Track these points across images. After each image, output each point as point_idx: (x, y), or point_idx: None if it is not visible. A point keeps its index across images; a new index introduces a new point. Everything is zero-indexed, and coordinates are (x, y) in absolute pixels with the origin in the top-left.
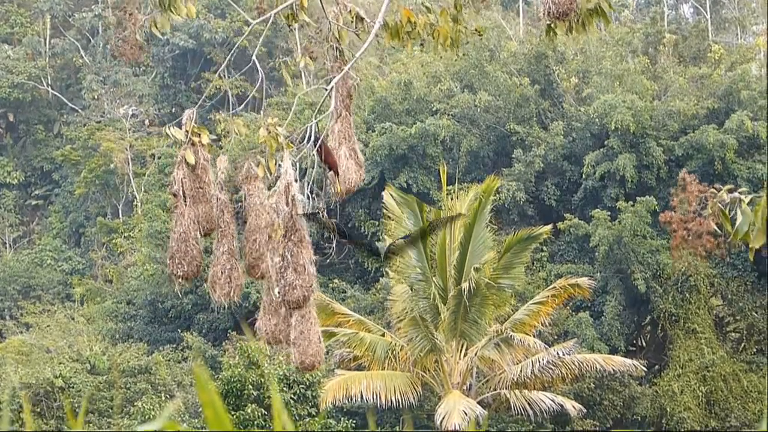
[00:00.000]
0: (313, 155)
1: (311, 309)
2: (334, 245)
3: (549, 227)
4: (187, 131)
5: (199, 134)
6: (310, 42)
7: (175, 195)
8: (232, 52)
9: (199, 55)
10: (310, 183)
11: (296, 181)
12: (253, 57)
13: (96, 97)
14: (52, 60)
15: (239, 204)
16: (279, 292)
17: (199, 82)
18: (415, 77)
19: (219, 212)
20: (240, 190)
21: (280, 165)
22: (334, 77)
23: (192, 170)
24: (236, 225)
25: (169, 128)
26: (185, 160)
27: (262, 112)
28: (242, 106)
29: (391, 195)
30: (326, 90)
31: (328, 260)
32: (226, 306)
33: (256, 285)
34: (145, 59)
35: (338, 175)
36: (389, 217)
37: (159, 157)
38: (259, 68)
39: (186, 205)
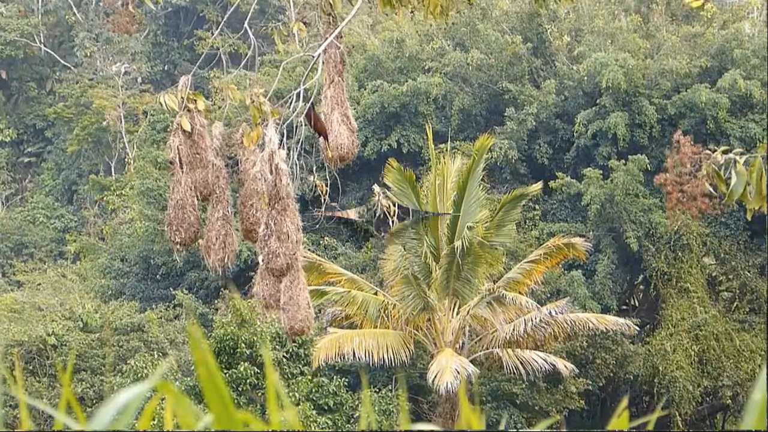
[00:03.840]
0: (301, 121)
1: (299, 274)
2: (323, 210)
3: (539, 185)
4: (182, 98)
5: (195, 100)
6: (303, 7)
7: (172, 162)
8: (227, 14)
9: (192, 12)
10: (299, 147)
11: (283, 148)
12: (245, 25)
13: (88, 54)
14: (45, 17)
15: (236, 168)
16: (262, 260)
17: (192, 39)
18: (407, 35)
19: (214, 178)
20: (237, 155)
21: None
22: (325, 41)
23: (188, 137)
24: (232, 190)
25: (163, 96)
26: (181, 126)
27: (256, 69)
28: (240, 66)
29: (385, 190)
30: (314, 57)
31: (318, 225)
32: (220, 271)
33: (248, 244)
34: (138, 22)
35: (328, 140)
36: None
37: (152, 114)
38: (251, 35)
39: (183, 171)
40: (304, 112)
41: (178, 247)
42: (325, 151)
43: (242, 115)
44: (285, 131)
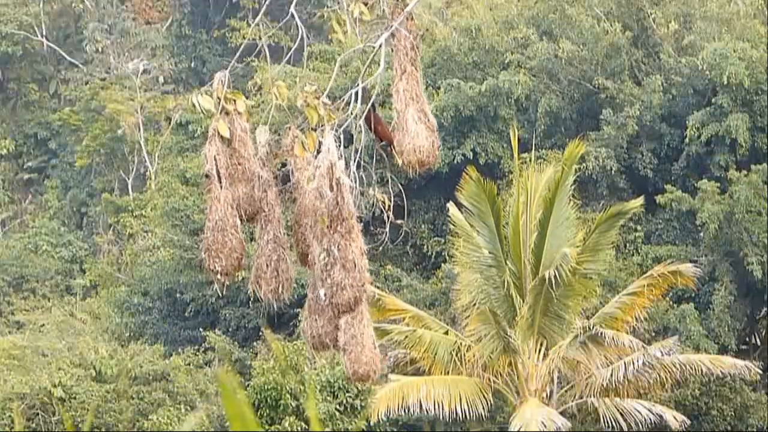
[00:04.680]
0: (361, 126)
1: (364, 309)
2: (387, 229)
3: (641, 200)
4: (218, 97)
5: (234, 100)
6: None
7: (208, 176)
8: None
9: None
10: (359, 155)
11: (341, 158)
12: (291, 8)
13: (100, 49)
14: (47, 5)
15: (284, 177)
16: (324, 294)
17: (224, 30)
18: (484, 23)
19: (261, 193)
20: (285, 164)
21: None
22: (392, 26)
23: (228, 144)
24: (283, 206)
25: (195, 96)
26: (218, 132)
27: (304, 63)
28: (285, 59)
29: (459, 206)
30: (375, 47)
31: (381, 247)
32: (275, 305)
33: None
34: (159, 10)
35: (393, 146)
36: (457, 233)
37: (179, 112)
38: (297, 19)
39: (222, 186)
40: (363, 115)
41: (218, 277)
42: (398, 156)
43: (289, 117)
44: (342, 138)
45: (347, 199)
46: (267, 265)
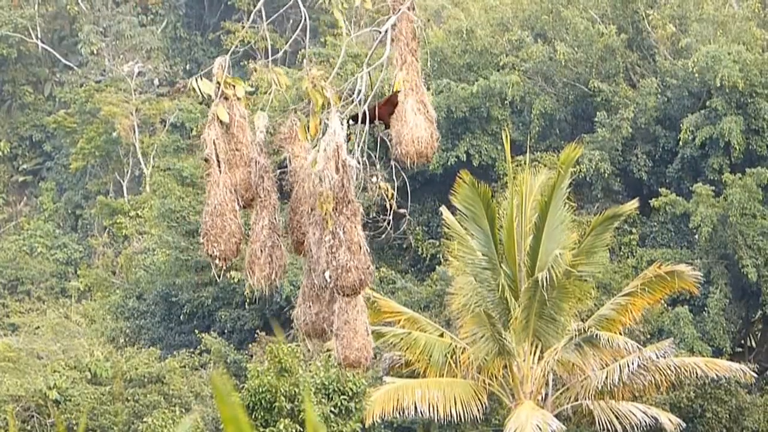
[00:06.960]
0: (365, 112)
1: (359, 295)
2: (390, 216)
3: (636, 203)
4: (218, 83)
5: (234, 86)
6: None
7: (207, 160)
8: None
9: (218, 0)
10: (361, 145)
11: (346, 142)
12: None
13: (95, 51)
14: (42, 8)
15: (281, 170)
16: (330, 277)
17: (219, 33)
18: (477, 24)
19: (258, 179)
20: (280, 152)
21: (326, 125)
22: (391, 17)
23: (226, 129)
24: (278, 194)
25: (196, 80)
26: (218, 117)
27: (305, 63)
28: (278, 55)
29: (452, 209)
30: (380, 33)
31: (379, 238)
32: (266, 291)
33: (290, 276)
34: (156, 3)
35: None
36: (451, 236)
37: (174, 114)
38: (303, 8)
39: (221, 171)
40: (365, 106)
41: (217, 261)
42: (396, 147)
43: (289, 108)
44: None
45: (353, 181)
46: (261, 251)
